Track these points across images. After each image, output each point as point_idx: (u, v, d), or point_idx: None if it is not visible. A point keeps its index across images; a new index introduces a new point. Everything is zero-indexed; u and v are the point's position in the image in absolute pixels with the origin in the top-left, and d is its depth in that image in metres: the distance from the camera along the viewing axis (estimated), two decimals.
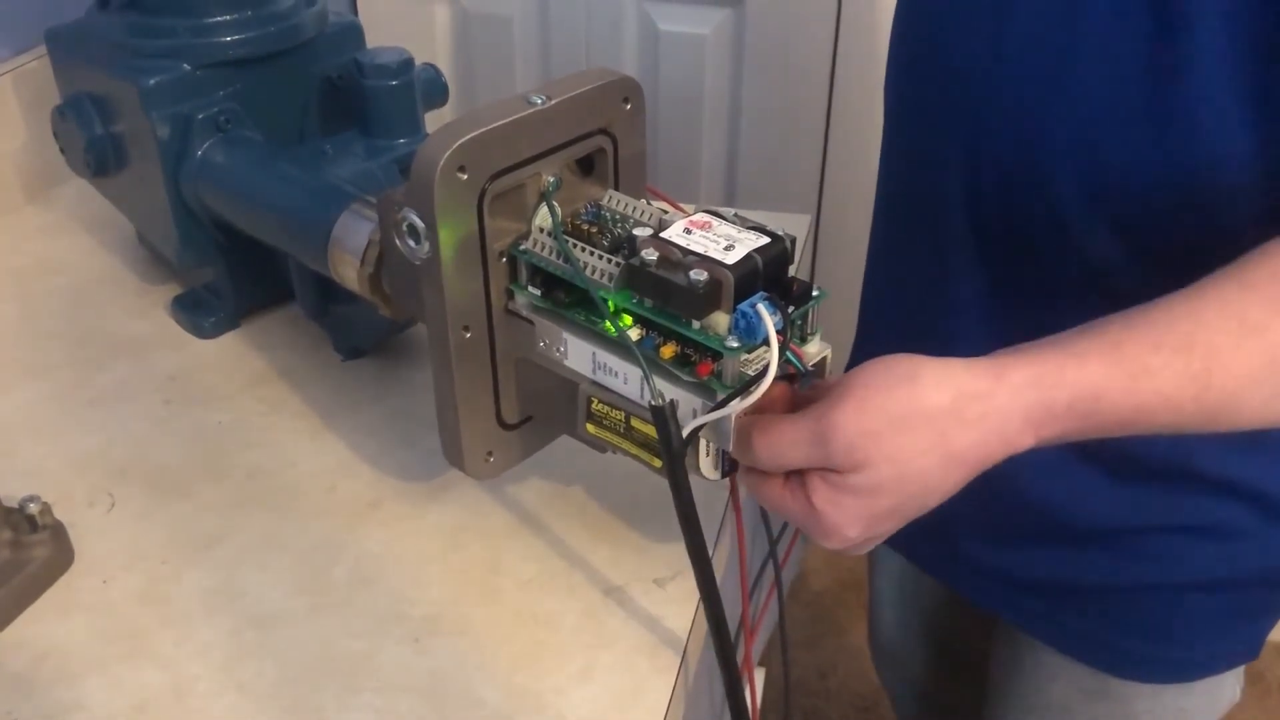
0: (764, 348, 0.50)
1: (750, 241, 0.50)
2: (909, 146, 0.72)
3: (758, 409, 0.49)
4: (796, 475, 0.49)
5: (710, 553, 0.54)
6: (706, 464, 0.53)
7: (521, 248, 0.56)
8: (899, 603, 1.03)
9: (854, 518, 0.48)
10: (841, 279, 1.51)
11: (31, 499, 0.63)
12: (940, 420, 0.47)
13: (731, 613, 0.62)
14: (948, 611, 0.99)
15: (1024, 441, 0.48)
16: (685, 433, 0.50)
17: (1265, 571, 0.71)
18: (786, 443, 0.48)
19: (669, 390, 0.52)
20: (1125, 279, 0.60)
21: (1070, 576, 0.74)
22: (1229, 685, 0.77)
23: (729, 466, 0.54)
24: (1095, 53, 0.57)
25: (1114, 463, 0.68)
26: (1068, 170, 0.59)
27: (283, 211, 0.73)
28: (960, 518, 0.68)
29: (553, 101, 0.54)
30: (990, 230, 0.66)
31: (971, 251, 0.67)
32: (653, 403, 0.50)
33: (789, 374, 0.51)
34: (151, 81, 0.75)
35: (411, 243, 0.54)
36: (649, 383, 0.50)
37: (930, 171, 0.68)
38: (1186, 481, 0.67)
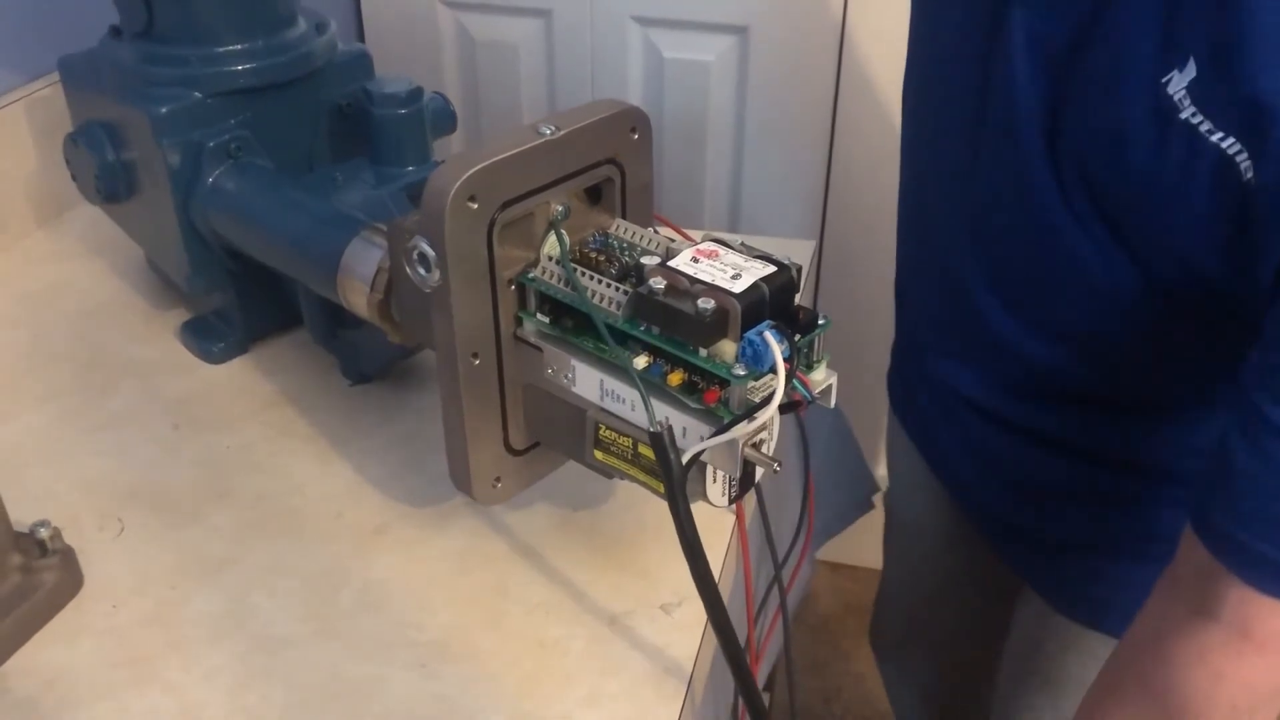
0: (771, 375, 0.50)
1: (757, 270, 0.51)
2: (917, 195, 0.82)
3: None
4: None
5: (715, 578, 0.54)
6: (714, 491, 0.53)
7: (530, 276, 0.56)
8: (905, 594, 1.06)
9: None
10: (845, 303, 1.52)
11: (41, 524, 0.63)
12: None
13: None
14: (955, 616, 1.00)
15: None
16: (686, 458, 0.51)
17: None
18: None
19: (676, 417, 0.52)
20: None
21: (1088, 539, 0.77)
22: None
23: (736, 493, 0.54)
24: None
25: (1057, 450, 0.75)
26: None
27: (293, 238, 0.74)
28: (983, 477, 0.78)
29: (562, 132, 0.55)
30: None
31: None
32: (651, 428, 0.50)
33: (795, 401, 0.51)
34: (163, 110, 0.75)
35: (422, 270, 0.55)
36: (647, 407, 0.51)
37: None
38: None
